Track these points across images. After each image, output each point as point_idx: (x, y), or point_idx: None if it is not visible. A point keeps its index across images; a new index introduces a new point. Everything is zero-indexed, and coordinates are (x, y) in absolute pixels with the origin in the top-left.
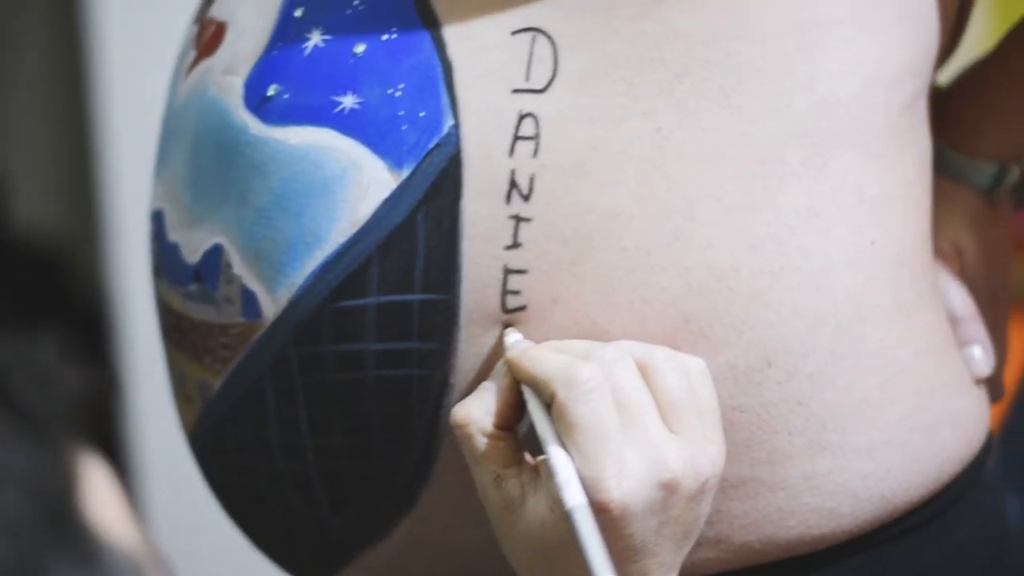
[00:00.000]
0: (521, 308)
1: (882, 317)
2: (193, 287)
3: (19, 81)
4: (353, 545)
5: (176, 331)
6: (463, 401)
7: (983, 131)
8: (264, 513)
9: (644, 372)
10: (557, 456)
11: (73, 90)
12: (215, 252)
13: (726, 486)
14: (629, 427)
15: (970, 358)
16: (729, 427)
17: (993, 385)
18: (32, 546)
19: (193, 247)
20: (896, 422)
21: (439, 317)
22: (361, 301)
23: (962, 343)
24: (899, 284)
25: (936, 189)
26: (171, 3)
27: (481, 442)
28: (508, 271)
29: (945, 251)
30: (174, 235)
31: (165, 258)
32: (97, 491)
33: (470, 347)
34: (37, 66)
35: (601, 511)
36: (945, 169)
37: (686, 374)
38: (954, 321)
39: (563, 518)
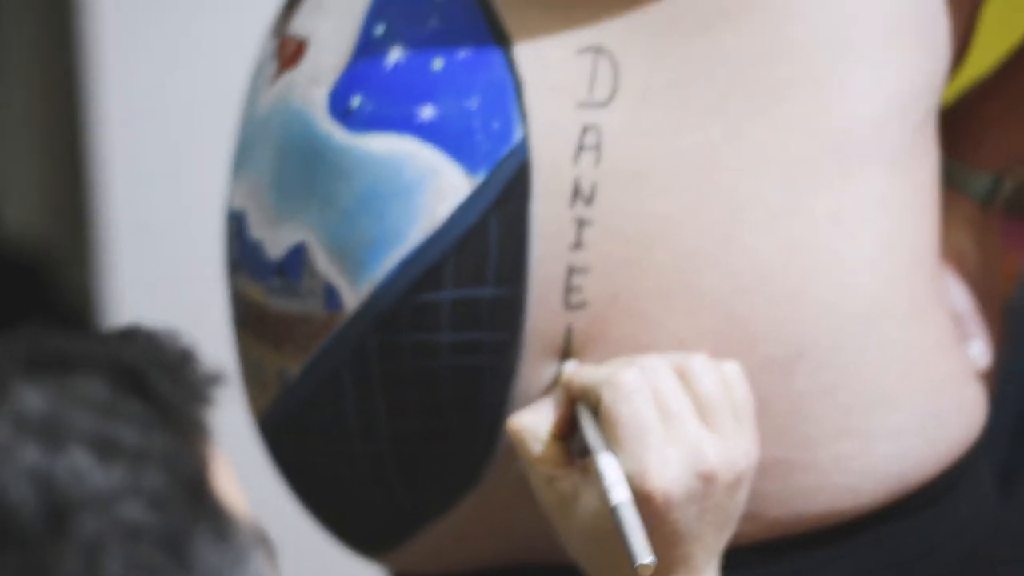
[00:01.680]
0: (582, 305)
1: (901, 314)
2: (276, 281)
3: (9, 83)
4: (419, 520)
5: (257, 322)
6: (519, 412)
7: (981, 144)
8: (334, 491)
9: (683, 377)
10: (605, 460)
11: (64, 95)
12: (299, 249)
13: (762, 467)
14: (669, 426)
15: (972, 351)
16: (766, 414)
17: (988, 375)
18: (176, 519)
19: (277, 244)
20: (914, 409)
21: (508, 310)
22: (438, 295)
23: (965, 338)
24: (915, 284)
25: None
26: (163, 9)
27: (534, 447)
28: (572, 269)
29: (948, 254)
30: (257, 233)
31: (246, 254)
32: (222, 473)
33: (535, 339)
34: (27, 70)
35: (646, 500)
36: (946, 179)
37: (721, 377)
38: (957, 318)
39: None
